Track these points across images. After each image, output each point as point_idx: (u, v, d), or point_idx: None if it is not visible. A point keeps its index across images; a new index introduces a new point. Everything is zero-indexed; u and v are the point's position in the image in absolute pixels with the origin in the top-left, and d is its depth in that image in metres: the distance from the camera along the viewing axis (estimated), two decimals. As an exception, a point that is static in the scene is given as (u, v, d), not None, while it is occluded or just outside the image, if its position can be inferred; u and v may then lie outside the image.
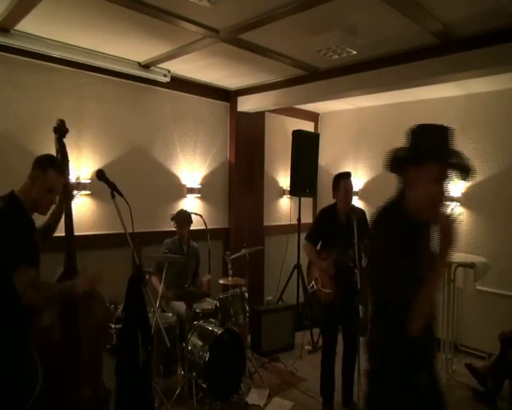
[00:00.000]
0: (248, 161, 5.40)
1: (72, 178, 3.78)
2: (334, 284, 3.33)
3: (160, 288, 3.56)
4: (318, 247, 3.52)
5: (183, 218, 4.10)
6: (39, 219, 2.30)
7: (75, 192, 2.49)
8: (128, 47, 3.78)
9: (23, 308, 1.87)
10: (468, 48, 3.30)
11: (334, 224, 3.39)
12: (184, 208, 4.35)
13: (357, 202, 5.65)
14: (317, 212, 3.54)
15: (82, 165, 3.99)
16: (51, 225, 2.41)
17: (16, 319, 1.93)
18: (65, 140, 2.41)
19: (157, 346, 3.20)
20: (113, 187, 2.32)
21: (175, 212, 4.28)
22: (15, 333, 1.96)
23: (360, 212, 3.38)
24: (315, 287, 3.45)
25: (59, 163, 2.20)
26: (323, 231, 3.46)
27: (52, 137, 2.42)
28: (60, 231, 2.42)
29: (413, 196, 1.69)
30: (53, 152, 2.37)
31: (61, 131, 2.37)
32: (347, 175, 3.41)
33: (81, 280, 2.11)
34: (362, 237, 3.13)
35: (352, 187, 3.41)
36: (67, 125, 2.42)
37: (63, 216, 2.38)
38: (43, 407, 1.98)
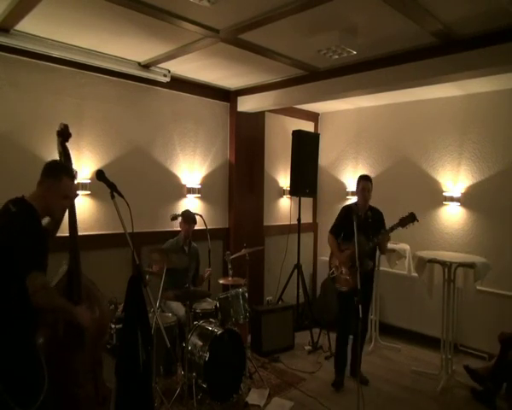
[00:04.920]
0: (248, 161, 5.40)
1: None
2: (350, 272, 3.78)
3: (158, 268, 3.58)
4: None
5: (190, 215, 4.15)
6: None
7: (78, 192, 2.52)
8: (128, 47, 3.78)
9: (33, 311, 1.89)
10: (468, 48, 3.30)
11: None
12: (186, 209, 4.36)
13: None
14: (341, 208, 4.07)
15: (82, 165, 3.99)
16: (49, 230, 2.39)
17: (25, 322, 1.93)
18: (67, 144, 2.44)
19: (157, 346, 3.20)
20: (112, 187, 2.32)
21: (175, 212, 4.28)
22: (24, 336, 1.96)
23: (377, 212, 3.88)
24: (335, 273, 3.95)
25: (71, 169, 2.27)
26: (344, 224, 3.88)
27: (53, 138, 2.42)
28: (64, 231, 2.41)
29: None
30: (53, 152, 2.39)
31: (64, 135, 2.42)
32: (366, 177, 3.92)
33: (83, 315, 2.15)
34: (374, 232, 3.71)
35: (369, 188, 3.84)
36: (67, 125, 2.44)
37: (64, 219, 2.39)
38: (48, 408, 1.99)
